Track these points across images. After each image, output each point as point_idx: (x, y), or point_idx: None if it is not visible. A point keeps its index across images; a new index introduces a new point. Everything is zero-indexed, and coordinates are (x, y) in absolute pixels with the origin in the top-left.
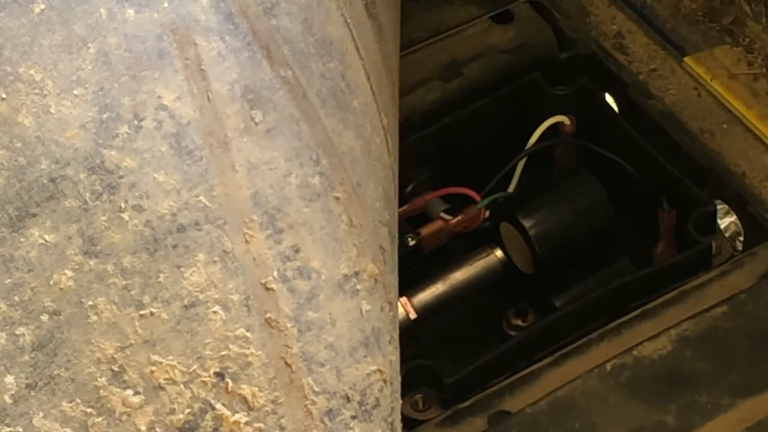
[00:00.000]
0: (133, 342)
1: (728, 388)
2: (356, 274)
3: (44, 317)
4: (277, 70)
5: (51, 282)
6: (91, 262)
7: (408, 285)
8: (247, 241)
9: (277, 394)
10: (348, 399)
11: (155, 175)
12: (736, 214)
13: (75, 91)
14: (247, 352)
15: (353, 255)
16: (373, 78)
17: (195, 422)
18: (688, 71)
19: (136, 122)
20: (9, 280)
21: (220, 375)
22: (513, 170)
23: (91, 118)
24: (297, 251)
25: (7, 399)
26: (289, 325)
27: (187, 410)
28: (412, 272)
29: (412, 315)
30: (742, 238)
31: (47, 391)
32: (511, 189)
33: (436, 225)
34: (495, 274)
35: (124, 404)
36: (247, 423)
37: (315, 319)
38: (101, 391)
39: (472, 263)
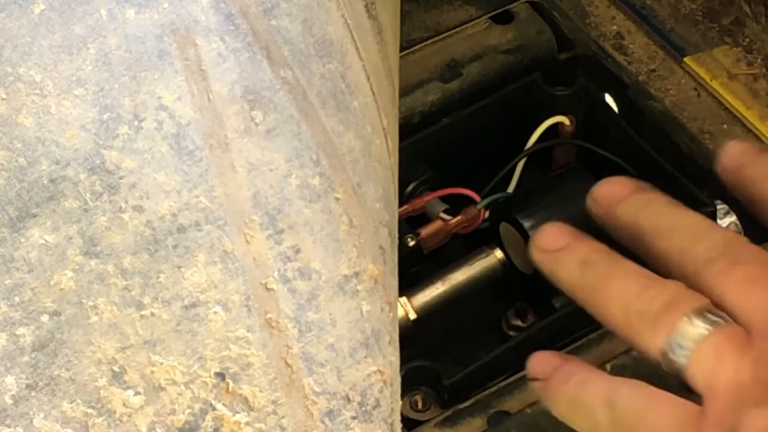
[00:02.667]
0: (133, 342)
1: None
2: (356, 274)
3: (45, 318)
4: (277, 71)
5: (51, 282)
6: (92, 263)
7: (407, 285)
8: (247, 242)
9: (277, 394)
10: (348, 400)
11: (155, 176)
12: (736, 214)
13: (75, 92)
14: (248, 352)
15: (353, 256)
16: (373, 79)
17: (195, 423)
18: (687, 72)
19: (136, 123)
20: (9, 281)
21: (220, 375)
22: (513, 170)
23: (92, 118)
24: (297, 252)
25: (8, 399)
26: (289, 325)
27: (188, 411)
28: (412, 273)
29: (412, 315)
30: None
31: (48, 392)
32: (510, 189)
33: (435, 225)
34: (495, 274)
35: (124, 405)
36: (247, 423)
37: (315, 319)
38: (102, 392)
39: (472, 263)
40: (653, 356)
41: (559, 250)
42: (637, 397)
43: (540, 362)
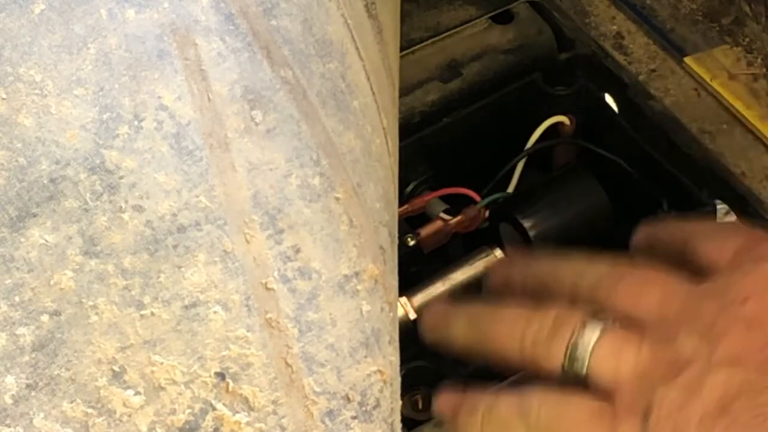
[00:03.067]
0: (133, 342)
1: None
2: (356, 274)
3: (45, 317)
4: (277, 71)
5: (51, 282)
6: (92, 263)
7: (407, 285)
8: (247, 242)
9: (277, 394)
10: (348, 399)
11: (155, 176)
12: (736, 214)
13: (75, 92)
14: (248, 352)
15: (353, 255)
16: (373, 79)
17: (196, 422)
18: (688, 71)
19: (136, 122)
20: (9, 281)
21: (220, 375)
22: (512, 170)
23: (92, 118)
24: (297, 251)
25: (8, 399)
26: (289, 325)
27: (188, 410)
28: (412, 273)
29: (412, 315)
30: None
31: (48, 392)
32: (510, 189)
33: (435, 225)
34: None
35: (124, 405)
36: (247, 423)
37: (315, 319)
38: (102, 392)
39: (472, 263)
40: (556, 375)
41: (443, 321)
42: (547, 402)
43: (443, 402)
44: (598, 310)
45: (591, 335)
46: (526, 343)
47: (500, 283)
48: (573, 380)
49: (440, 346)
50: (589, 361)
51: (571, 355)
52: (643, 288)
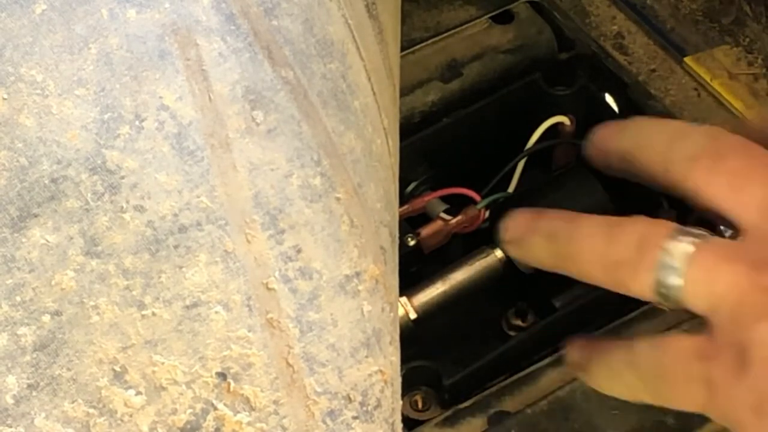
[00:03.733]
0: (134, 342)
1: None
2: (357, 274)
3: (46, 317)
4: (278, 71)
5: (53, 282)
6: (93, 263)
7: (408, 285)
8: (248, 242)
9: (279, 394)
10: (350, 399)
11: (157, 176)
12: None
13: (76, 92)
14: (249, 352)
15: (354, 256)
16: (374, 79)
17: (197, 422)
18: (688, 71)
19: (137, 123)
20: (10, 281)
21: (221, 375)
22: (513, 170)
23: (93, 118)
24: (298, 252)
25: (9, 399)
26: (290, 325)
27: (189, 410)
28: (412, 272)
29: (412, 315)
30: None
31: (49, 392)
32: (510, 189)
33: (435, 225)
34: (495, 274)
35: (126, 405)
36: (248, 423)
37: (316, 319)
38: (103, 392)
39: (472, 263)
40: (649, 298)
41: (523, 235)
42: (650, 349)
43: (571, 353)
44: (679, 227)
45: (679, 253)
46: (609, 266)
47: (597, 153)
48: (669, 304)
49: (523, 263)
50: (682, 284)
51: (660, 279)
52: (746, 178)
